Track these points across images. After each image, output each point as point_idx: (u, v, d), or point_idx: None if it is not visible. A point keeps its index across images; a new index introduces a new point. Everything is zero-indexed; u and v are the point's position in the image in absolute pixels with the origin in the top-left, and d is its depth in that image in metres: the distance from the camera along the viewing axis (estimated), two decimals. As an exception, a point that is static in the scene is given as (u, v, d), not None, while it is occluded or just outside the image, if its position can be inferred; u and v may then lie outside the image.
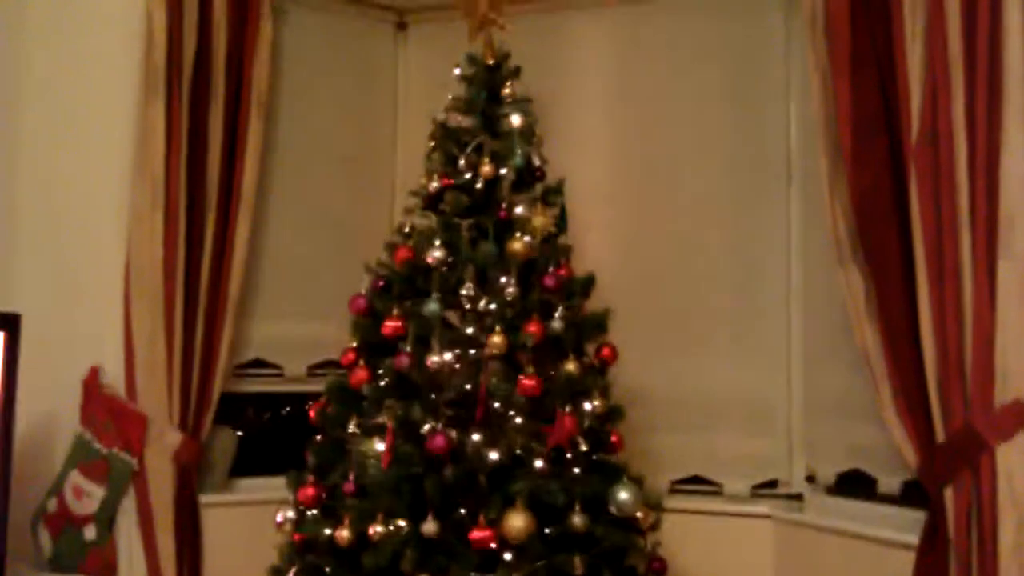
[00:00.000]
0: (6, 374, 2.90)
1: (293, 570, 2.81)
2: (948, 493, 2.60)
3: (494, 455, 2.68)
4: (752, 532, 3.40)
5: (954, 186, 2.55)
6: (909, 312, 2.68)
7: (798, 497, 3.41)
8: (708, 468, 3.56)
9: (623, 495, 2.76)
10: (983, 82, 2.50)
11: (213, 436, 3.52)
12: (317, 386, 3.18)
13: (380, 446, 2.73)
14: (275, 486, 3.21)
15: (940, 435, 2.62)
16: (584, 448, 2.78)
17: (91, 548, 3.17)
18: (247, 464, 3.70)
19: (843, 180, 2.87)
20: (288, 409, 3.66)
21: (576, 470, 2.75)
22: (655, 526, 2.93)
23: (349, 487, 2.73)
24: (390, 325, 2.82)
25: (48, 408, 3.21)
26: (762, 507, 3.42)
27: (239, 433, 3.65)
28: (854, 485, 3.29)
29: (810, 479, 3.40)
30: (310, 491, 2.81)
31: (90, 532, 3.18)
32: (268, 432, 3.85)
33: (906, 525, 2.90)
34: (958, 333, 2.53)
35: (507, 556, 2.60)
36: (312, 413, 2.92)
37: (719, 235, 3.63)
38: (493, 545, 2.58)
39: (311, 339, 3.69)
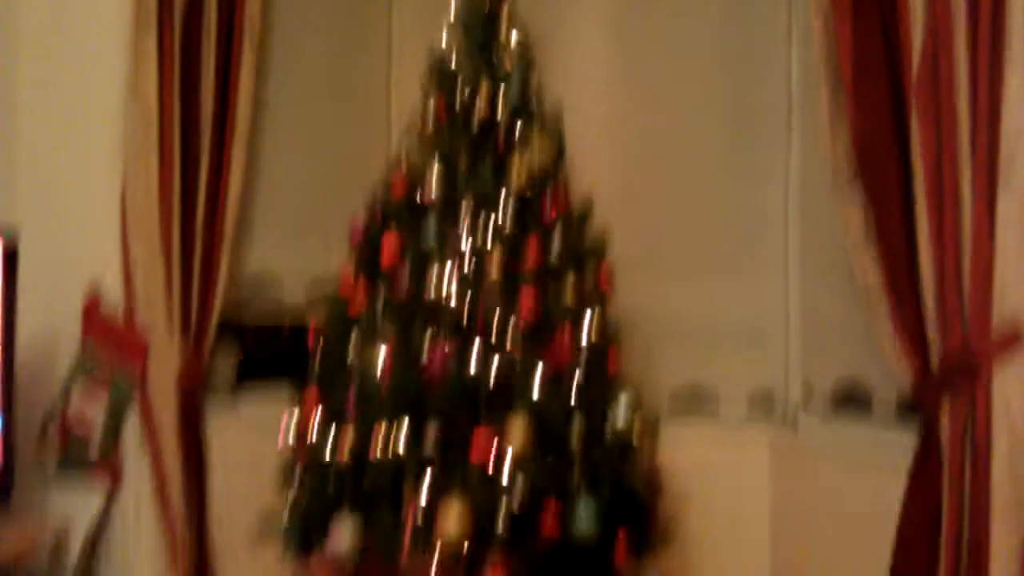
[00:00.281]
0: (5, 294, 2.90)
1: (296, 487, 2.87)
2: (942, 415, 2.63)
3: (493, 375, 2.70)
4: (748, 452, 3.47)
5: (955, 121, 2.52)
6: (908, 241, 2.68)
7: (794, 420, 3.46)
8: (705, 377, 3.61)
9: (620, 411, 2.81)
10: (986, 19, 2.46)
11: (215, 357, 3.54)
12: (315, 312, 3.19)
13: (379, 368, 2.75)
14: (277, 405, 3.25)
15: (936, 357, 2.64)
16: (582, 367, 2.81)
17: (97, 460, 3.22)
18: (250, 383, 3.74)
19: (843, 114, 2.86)
20: (288, 332, 3.66)
21: (574, 389, 2.78)
22: (652, 444, 2.99)
23: (350, 406, 2.77)
24: (388, 254, 2.81)
25: (47, 329, 3.21)
26: (758, 426, 3.48)
27: (241, 354, 3.68)
28: (849, 405, 3.33)
29: (806, 398, 3.44)
30: (311, 411, 2.85)
31: (95, 445, 3.22)
32: (269, 351, 3.87)
33: (900, 445, 2.92)
34: (956, 260, 2.53)
35: (506, 472, 2.65)
36: (312, 336, 2.94)
37: (718, 162, 3.63)
38: (492, 462, 2.63)
39: (309, 266, 3.68)
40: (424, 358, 2.72)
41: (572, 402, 2.76)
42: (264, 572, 3.44)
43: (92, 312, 3.20)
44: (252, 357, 3.68)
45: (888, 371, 3.07)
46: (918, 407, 2.74)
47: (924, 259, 2.62)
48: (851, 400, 3.31)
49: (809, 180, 3.43)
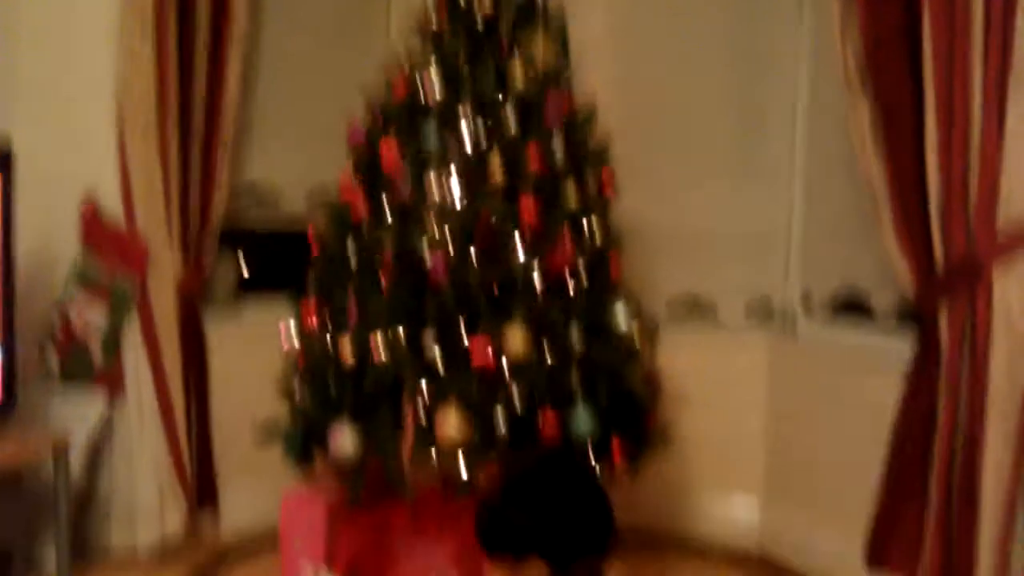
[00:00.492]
0: (3, 203, 2.87)
1: (297, 384, 2.87)
2: (943, 316, 2.65)
3: (493, 279, 2.69)
4: (747, 355, 3.49)
5: (968, 23, 2.49)
6: (915, 145, 2.66)
7: (793, 321, 3.47)
8: (703, 286, 3.61)
9: (619, 313, 2.80)
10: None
11: (215, 263, 3.53)
12: (315, 218, 3.15)
13: (380, 272, 2.73)
14: (278, 311, 3.25)
15: (939, 260, 2.64)
16: (583, 272, 2.80)
17: (98, 369, 3.23)
18: (250, 290, 3.73)
19: (854, 16, 2.80)
20: (288, 241, 3.64)
21: (574, 293, 2.78)
22: (651, 346, 2.99)
23: (351, 310, 2.75)
24: (389, 158, 2.76)
25: (46, 235, 3.19)
26: (756, 331, 3.49)
27: (241, 261, 3.66)
28: (849, 303, 3.35)
29: (805, 301, 3.45)
30: (312, 314, 2.84)
31: (96, 353, 3.23)
32: (269, 260, 3.86)
33: (899, 349, 2.96)
34: (964, 164, 2.53)
35: (506, 376, 2.66)
36: (312, 243, 2.91)
37: (725, 64, 3.58)
38: (492, 365, 2.63)
39: (309, 175, 3.67)
40: (425, 263, 2.69)
41: (572, 307, 2.75)
42: (267, 477, 3.49)
43: (90, 220, 3.18)
44: (252, 267, 3.67)
45: (888, 278, 3.07)
46: (918, 310, 2.75)
47: (931, 162, 2.60)
48: (851, 307, 3.33)
49: (818, 82, 3.38)
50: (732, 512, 3.56)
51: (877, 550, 2.84)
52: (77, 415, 3.20)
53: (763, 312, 3.56)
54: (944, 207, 2.59)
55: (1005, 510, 2.53)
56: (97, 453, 3.29)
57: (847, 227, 3.17)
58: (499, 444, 2.65)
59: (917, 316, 2.80)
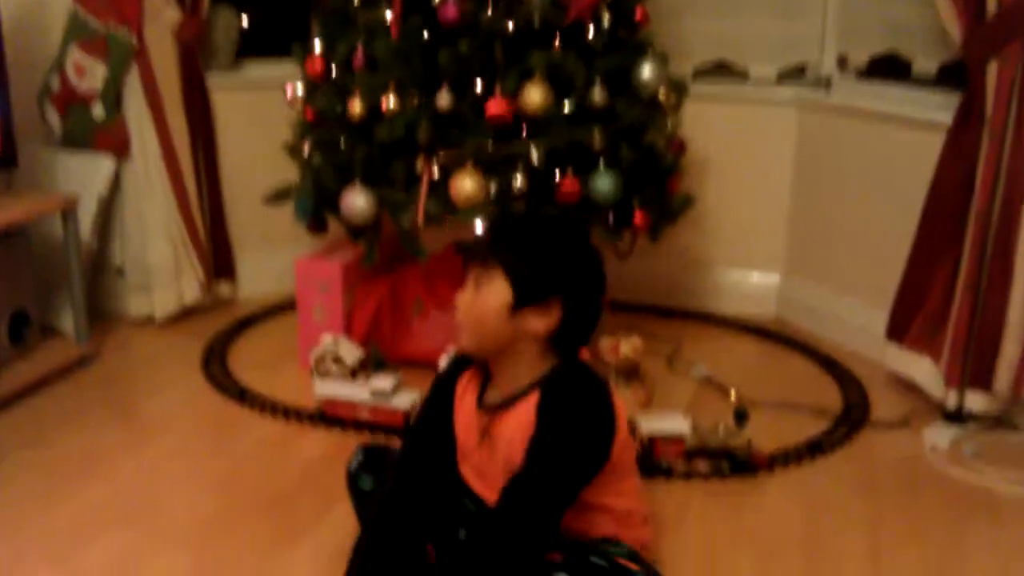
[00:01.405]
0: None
1: (307, 144, 2.77)
2: (991, 68, 2.48)
3: (511, 26, 2.52)
4: (776, 118, 3.31)
5: None
6: None
7: (827, 82, 3.29)
8: (735, 53, 3.42)
9: (646, 70, 2.65)
10: None
11: (215, 15, 3.36)
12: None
13: (388, 15, 2.56)
14: (283, 68, 3.11)
15: (991, 9, 2.45)
16: (607, 22, 2.62)
17: (100, 127, 3.13)
18: (253, 47, 3.57)
19: None
20: None
21: (597, 43, 2.61)
22: (677, 106, 2.85)
23: (358, 59, 2.61)
24: None
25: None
26: (788, 92, 3.31)
27: (242, 14, 3.48)
28: (887, 69, 3.16)
29: (841, 63, 3.26)
30: (318, 64, 2.69)
31: (97, 110, 3.11)
32: (271, 13, 3.67)
33: (939, 107, 2.81)
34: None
35: (524, 130, 2.53)
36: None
37: None
38: (509, 119, 2.50)
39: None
40: (437, 8, 2.52)
41: (594, 59, 2.59)
42: (282, 248, 3.45)
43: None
44: (255, 15, 3.49)
45: (931, 41, 2.89)
46: (965, 64, 2.57)
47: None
48: (890, 72, 3.14)
49: None
50: (753, 288, 3.49)
51: (901, 323, 2.77)
52: (84, 180, 3.12)
53: (796, 79, 3.36)
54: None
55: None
56: (107, 214, 3.24)
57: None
58: (519, 199, 2.56)
59: (962, 75, 2.62)
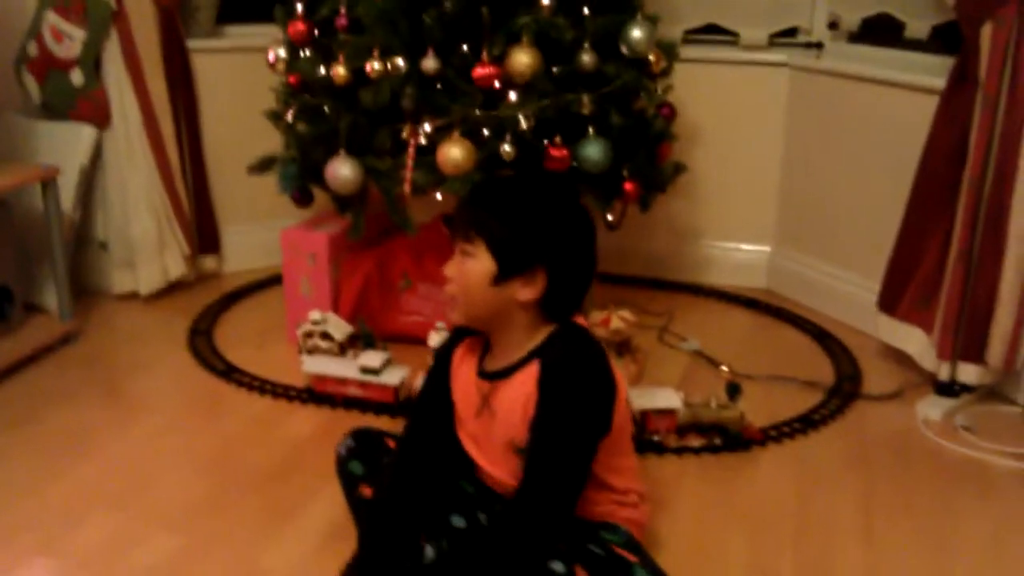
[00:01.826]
0: None
1: (290, 111, 2.71)
2: (985, 30, 2.44)
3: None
4: (767, 82, 3.26)
5: None
6: None
7: (818, 45, 3.25)
8: (725, 16, 3.36)
9: (636, 32, 2.58)
10: None
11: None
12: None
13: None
14: (265, 32, 3.04)
15: (988, -30, 2.40)
16: (595, -18, 2.56)
17: (80, 94, 3.06)
18: (234, 11, 3.49)
19: None
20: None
21: (586, 7, 2.55)
22: (667, 71, 2.80)
23: (342, 21, 2.54)
24: None
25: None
26: (779, 55, 3.26)
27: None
28: (879, 31, 3.12)
29: (832, 26, 3.22)
30: (300, 26, 2.62)
31: (77, 77, 3.04)
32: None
33: (932, 70, 2.78)
34: None
35: (512, 95, 2.48)
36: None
37: None
38: (497, 83, 2.45)
39: None
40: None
41: (584, 19, 2.53)
42: (268, 223, 3.40)
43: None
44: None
45: (922, 3, 2.85)
46: (959, 25, 2.53)
47: None
48: (882, 36, 3.10)
49: None
50: (743, 259, 3.46)
51: (893, 294, 2.75)
52: (64, 150, 3.05)
53: (788, 43, 3.31)
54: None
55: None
56: (88, 186, 3.18)
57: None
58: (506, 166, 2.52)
59: (955, 38, 2.58)
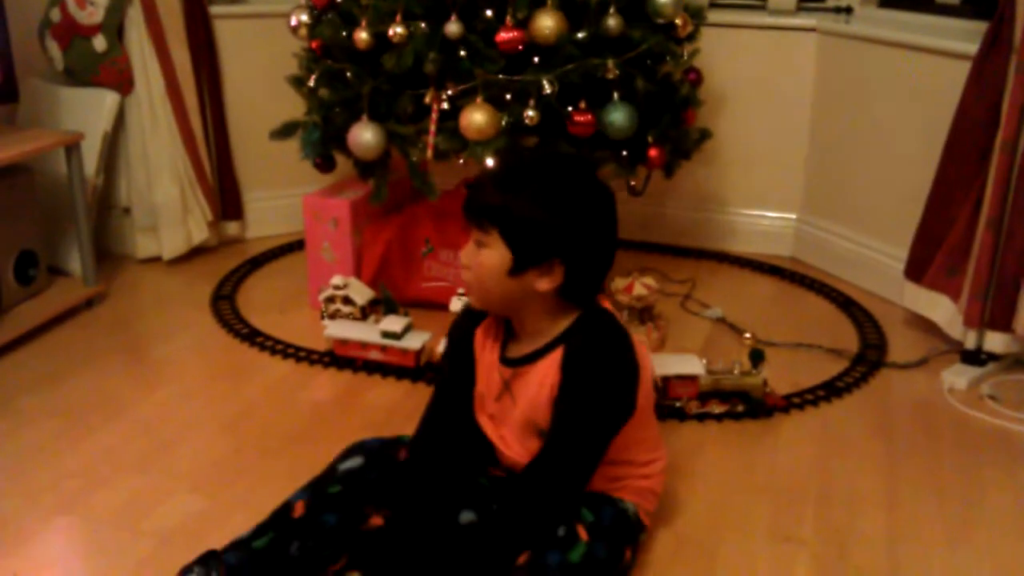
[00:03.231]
0: None
1: (313, 77, 2.69)
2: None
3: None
4: (795, 47, 3.21)
5: None
6: None
7: (847, 10, 3.19)
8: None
9: (663, -3, 2.55)
10: None
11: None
12: None
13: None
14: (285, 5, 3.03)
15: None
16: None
17: (103, 60, 3.06)
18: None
19: None
20: None
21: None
22: (694, 35, 2.77)
23: (364, -10, 2.52)
24: None
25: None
26: (807, 20, 3.20)
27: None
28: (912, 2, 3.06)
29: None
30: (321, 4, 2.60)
31: (100, 43, 3.04)
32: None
33: (963, 35, 2.72)
34: None
35: (536, 59, 2.46)
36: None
37: None
38: (521, 47, 2.43)
39: None
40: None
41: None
42: (285, 174, 3.40)
43: None
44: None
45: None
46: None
47: None
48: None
49: None
50: (769, 226, 3.43)
51: (920, 261, 2.71)
52: (87, 115, 3.06)
53: (816, 7, 3.26)
54: None
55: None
56: (111, 151, 3.18)
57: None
58: (528, 140, 2.50)
59: (988, 2, 2.52)
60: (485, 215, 1.56)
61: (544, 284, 1.57)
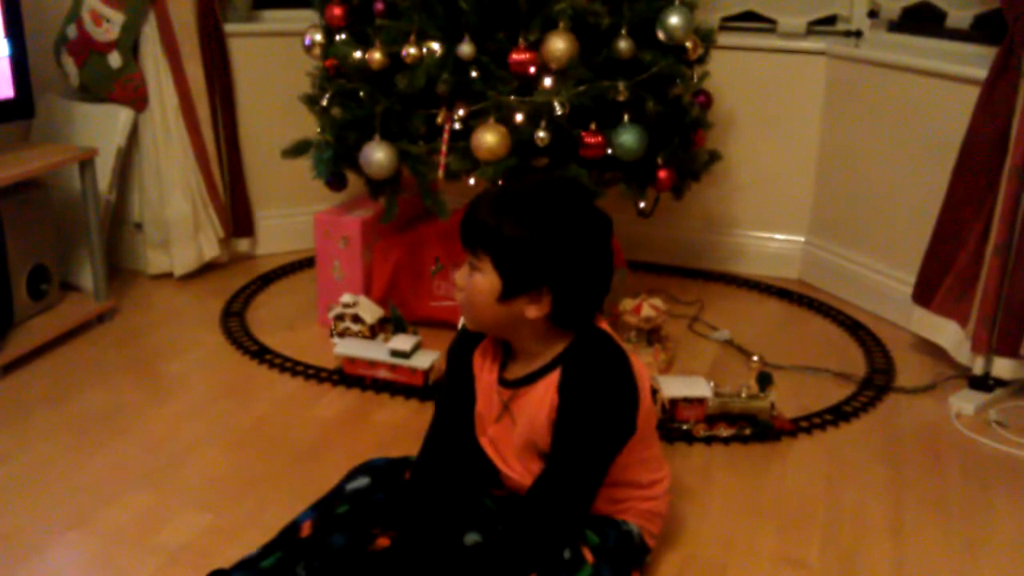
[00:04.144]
0: None
1: (326, 96, 2.72)
2: (1030, 22, 2.40)
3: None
4: (805, 70, 3.23)
5: None
6: None
7: (857, 34, 3.21)
8: (763, 4, 3.33)
9: (674, 19, 2.56)
10: None
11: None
12: None
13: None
14: (301, 17, 3.05)
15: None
16: (632, -30, 2.54)
17: (118, 77, 3.09)
18: (270, 6, 3.51)
19: None
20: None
21: (623, -7, 2.54)
22: (704, 58, 2.78)
23: (379, 6, 2.54)
24: None
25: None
26: (817, 43, 3.22)
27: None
28: (920, 20, 3.08)
29: (872, 14, 3.18)
30: (337, 10, 2.63)
31: (115, 60, 3.07)
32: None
33: (973, 60, 2.73)
34: None
35: (547, 81, 2.48)
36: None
37: None
38: (533, 69, 2.45)
39: None
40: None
41: (620, 4, 2.52)
42: (297, 192, 3.42)
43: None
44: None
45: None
46: (1003, 15, 2.49)
47: None
48: (922, 20, 3.06)
49: None
50: (776, 249, 3.44)
51: (928, 286, 2.72)
52: (102, 131, 3.09)
53: (826, 31, 3.27)
54: None
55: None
56: (124, 167, 3.21)
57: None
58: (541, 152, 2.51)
59: (998, 28, 2.53)
60: (478, 240, 1.58)
61: (533, 312, 1.58)
